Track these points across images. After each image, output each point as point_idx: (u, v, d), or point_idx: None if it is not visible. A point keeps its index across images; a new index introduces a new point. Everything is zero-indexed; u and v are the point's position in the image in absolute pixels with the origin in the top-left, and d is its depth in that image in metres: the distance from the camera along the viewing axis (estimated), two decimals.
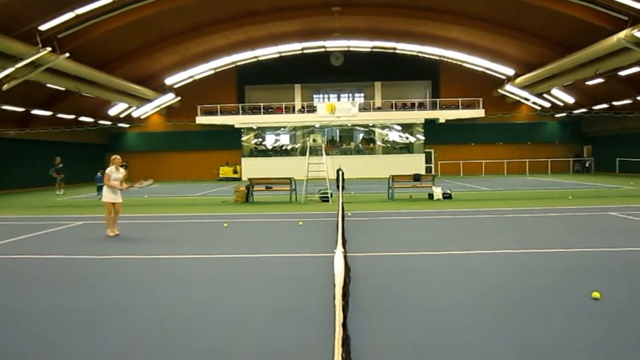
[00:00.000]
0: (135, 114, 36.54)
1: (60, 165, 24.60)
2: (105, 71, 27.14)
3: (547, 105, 35.96)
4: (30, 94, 26.47)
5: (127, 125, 37.82)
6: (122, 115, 36.29)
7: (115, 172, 10.55)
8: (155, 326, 4.75)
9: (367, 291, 5.68)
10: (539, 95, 34.42)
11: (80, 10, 21.16)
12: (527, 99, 35.49)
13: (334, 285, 3.18)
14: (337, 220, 7.50)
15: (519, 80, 32.23)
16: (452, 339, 4.25)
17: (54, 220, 13.36)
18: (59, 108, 30.38)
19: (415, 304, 5.28)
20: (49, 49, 20.55)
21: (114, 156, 10.78)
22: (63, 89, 26.86)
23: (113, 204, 10.47)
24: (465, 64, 35.57)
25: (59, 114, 30.54)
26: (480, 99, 36.42)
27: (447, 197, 17.50)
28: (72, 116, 31.99)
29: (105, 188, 10.59)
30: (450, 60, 36.02)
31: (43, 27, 20.76)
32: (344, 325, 1.92)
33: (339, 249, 2.59)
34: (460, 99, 36.90)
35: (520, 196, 18.41)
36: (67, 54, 22.21)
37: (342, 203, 7.04)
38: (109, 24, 23.36)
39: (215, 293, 5.90)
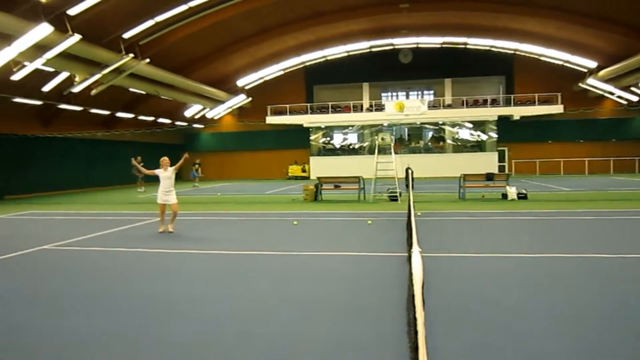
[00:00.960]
0: (208, 115, 38.00)
1: (141, 165, 26.07)
2: (181, 75, 28.44)
3: (635, 99, 33.37)
4: (115, 98, 28.26)
5: (201, 126, 39.38)
6: (196, 117, 37.88)
7: (162, 172, 10.77)
8: (231, 318, 4.93)
9: (438, 292, 5.56)
10: (626, 89, 31.97)
11: (159, 18, 22.35)
12: (612, 93, 33.09)
13: (411, 285, 3.14)
14: (409, 220, 7.39)
15: (602, 73, 30.12)
16: (528, 347, 4.06)
17: (135, 216, 14.20)
18: (140, 110, 32.24)
19: (489, 307, 5.10)
20: (131, 55, 21.85)
21: (162, 158, 11.02)
22: (144, 92, 28.44)
23: (165, 205, 10.73)
24: (542, 58, 33.80)
25: (140, 116, 32.40)
26: (559, 94, 34.46)
27: (522, 197, 16.74)
28: (152, 118, 33.83)
29: (159, 190, 10.85)
30: (525, 54, 34.38)
31: (126, 35, 22.13)
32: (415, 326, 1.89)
33: (416, 248, 2.55)
34: (536, 95, 35.12)
35: (603, 197, 17.25)
36: (148, 60, 23.50)
37: (412, 202, 6.92)
38: (185, 30, 24.47)
39: (286, 288, 6.02)
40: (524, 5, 26.18)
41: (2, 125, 23.78)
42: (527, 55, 34.28)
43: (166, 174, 10.71)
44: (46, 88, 22.83)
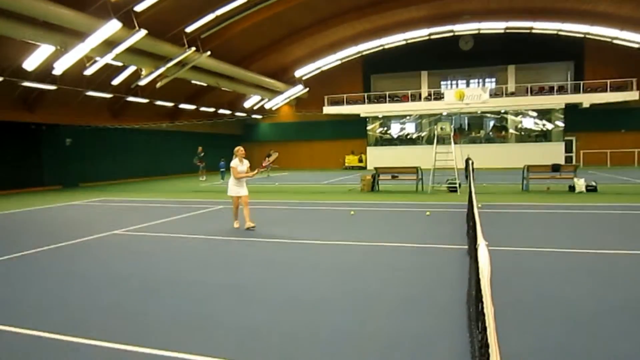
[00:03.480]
0: (267, 106, 38.61)
1: (202, 154, 27.01)
2: (241, 66, 29.02)
3: None
4: (178, 90, 29.30)
5: (259, 117, 40.10)
6: (255, 107, 38.60)
7: (240, 165, 10.06)
8: (292, 307, 5.01)
9: (502, 288, 5.39)
10: None
11: (219, 11, 22.86)
12: None
13: (473, 279, 3.06)
14: (470, 212, 7.20)
15: None
16: (599, 347, 3.86)
17: (198, 204, 14.72)
18: (201, 102, 33.27)
19: (557, 305, 4.89)
20: (193, 48, 22.52)
21: (237, 148, 10.21)
22: (205, 84, 29.29)
23: (239, 197, 10.14)
24: (615, 41, 31.70)
25: (201, 108, 33.44)
26: (634, 80, 32.22)
27: (591, 189, 15.87)
28: (213, 109, 34.81)
29: (230, 182, 10.19)
30: (597, 38, 32.34)
31: (188, 29, 22.81)
32: (483, 321, 1.84)
33: (482, 241, 2.48)
34: (608, 81, 32.99)
35: None
36: (209, 52, 24.14)
37: (473, 194, 6.73)
38: (244, 23, 24.91)
39: (342, 279, 6.04)
40: None
41: (77, 118, 25.31)
42: (599, 38, 32.25)
43: (242, 167, 10.07)
44: (115, 82, 24.01)
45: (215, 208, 13.73)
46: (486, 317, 1.67)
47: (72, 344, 4.12)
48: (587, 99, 33.08)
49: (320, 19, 28.70)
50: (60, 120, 24.51)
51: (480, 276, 2.08)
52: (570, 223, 10.13)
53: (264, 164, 11.33)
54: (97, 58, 19.35)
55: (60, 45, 17.45)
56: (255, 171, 10.23)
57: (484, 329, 1.74)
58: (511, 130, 37.84)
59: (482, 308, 1.97)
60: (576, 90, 33.91)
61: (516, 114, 37.61)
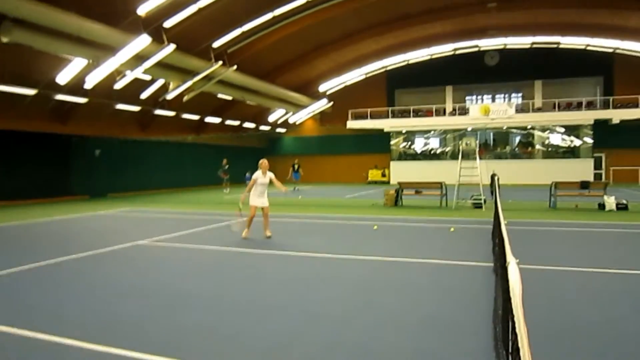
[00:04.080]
0: (291, 120, 38.88)
1: (227, 167, 27.27)
2: (266, 81, 29.37)
3: None
4: (204, 103, 29.78)
5: (284, 130, 40.39)
6: (279, 121, 38.91)
7: (262, 177, 10.17)
8: (310, 322, 4.96)
9: (529, 307, 5.24)
10: None
11: (246, 27, 23.28)
12: None
13: (501, 298, 2.98)
14: (495, 228, 7.06)
15: None
16: None
17: (222, 216, 14.82)
18: (227, 115, 33.72)
19: (588, 328, 4.72)
20: (220, 62, 22.91)
21: (261, 160, 10.42)
22: (230, 98, 29.70)
23: (262, 208, 10.28)
24: None
25: (227, 121, 33.88)
26: None
27: (622, 207, 15.42)
28: (237, 122, 35.24)
29: (252, 192, 10.28)
30: (627, 52, 31.71)
31: (215, 44, 23.28)
32: (514, 341, 1.78)
33: (512, 258, 2.41)
34: (639, 97, 32.23)
35: None
36: (235, 67, 24.52)
37: (500, 210, 6.60)
38: (270, 38, 25.27)
39: (364, 295, 5.97)
40: None
41: (107, 129, 25.93)
42: (630, 53, 31.60)
43: (264, 180, 10.18)
44: (144, 95, 24.57)
45: (239, 220, 13.80)
46: (519, 338, 1.61)
47: (91, 352, 4.15)
48: (616, 115, 32.31)
49: (345, 34, 28.91)
50: (90, 132, 25.14)
51: (511, 295, 2.01)
52: (601, 242, 9.84)
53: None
54: (127, 72, 19.84)
55: (92, 59, 17.97)
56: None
57: (516, 349, 1.68)
58: (538, 146, 37.19)
59: (511, 327, 1.90)
60: (605, 105, 33.19)
61: (543, 129, 36.99)
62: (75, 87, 20.39)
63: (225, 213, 15.72)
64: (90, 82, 18.76)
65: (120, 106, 24.65)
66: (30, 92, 19.45)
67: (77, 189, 24.65)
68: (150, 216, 15.66)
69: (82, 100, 22.01)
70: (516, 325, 1.74)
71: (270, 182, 10.39)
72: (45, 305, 5.64)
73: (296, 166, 30.52)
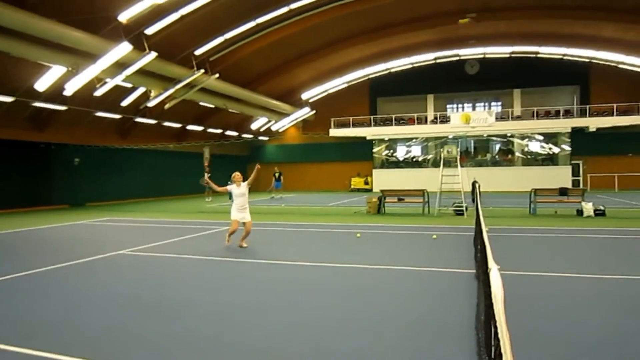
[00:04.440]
0: (274, 128, 38.84)
1: (209, 175, 27.06)
2: (248, 89, 29.33)
3: None
4: (186, 111, 29.58)
5: (266, 138, 40.32)
6: (262, 129, 38.85)
7: (236, 188, 10.04)
8: (296, 329, 4.95)
9: (512, 313, 5.31)
10: None
11: (228, 35, 23.26)
12: None
13: (483, 304, 3.02)
14: (477, 235, 7.15)
15: None
16: None
17: (204, 225, 14.71)
18: (209, 123, 33.53)
19: (569, 332, 4.80)
20: (202, 70, 22.83)
21: (234, 173, 10.23)
22: (213, 106, 29.56)
23: (243, 223, 10.04)
24: (621, 65, 31.83)
25: (209, 129, 33.69)
26: None
27: (599, 213, 15.74)
28: (220, 130, 35.07)
29: (233, 207, 10.12)
30: (602, 62, 32.52)
31: (198, 52, 23.18)
32: (497, 347, 1.81)
33: (494, 265, 2.45)
34: (615, 105, 33.02)
35: None
36: (217, 75, 24.45)
37: (481, 217, 6.69)
38: (252, 46, 25.29)
39: (348, 302, 5.98)
40: (602, 10, 24.85)
41: (86, 137, 25.55)
42: (605, 63, 32.42)
43: (240, 190, 10.04)
44: (125, 103, 24.32)
45: (221, 229, 13.71)
46: (501, 343, 1.64)
47: None
48: (593, 123, 33.07)
49: (327, 43, 29.07)
50: (70, 139, 24.76)
51: (494, 301, 2.05)
52: (579, 247, 10.02)
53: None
54: (108, 79, 19.64)
55: (72, 67, 17.74)
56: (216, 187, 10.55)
57: (499, 354, 1.70)
58: (517, 154, 37.80)
59: (494, 333, 1.93)
60: (582, 114, 33.93)
61: (522, 137, 37.62)
62: (55, 94, 20.09)
63: (208, 222, 15.61)
64: (69, 90, 18.51)
65: (101, 114, 24.35)
66: (8, 99, 19.11)
67: (57, 198, 24.23)
68: (132, 225, 15.46)
69: (62, 107, 21.69)
70: (499, 330, 1.77)
71: (250, 190, 10.33)
72: (21, 316, 5.52)
73: (277, 174, 30.44)
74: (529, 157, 37.65)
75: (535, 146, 38.07)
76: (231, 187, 10.17)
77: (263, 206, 22.26)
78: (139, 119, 27.20)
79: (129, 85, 22.13)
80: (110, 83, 19.91)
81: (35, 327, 5.16)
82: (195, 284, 7.14)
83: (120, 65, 18.62)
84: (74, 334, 4.89)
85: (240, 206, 10.06)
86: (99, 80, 19.60)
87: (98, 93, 20.37)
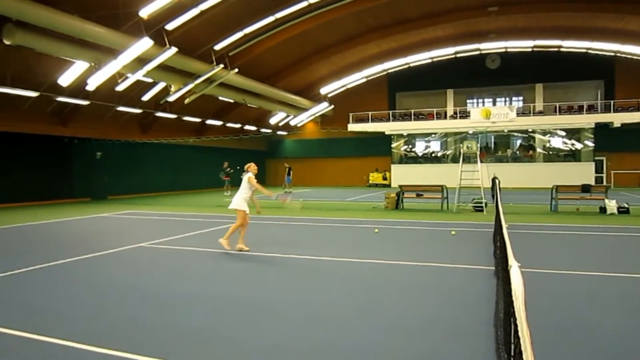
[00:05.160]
0: (292, 123, 38.90)
1: (228, 169, 27.29)
2: (267, 84, 29.39)
3: None
4: (205, 106, 29.81)
5: (285, 133, 40.40)
6: (280, 124, 38.94)
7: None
8: (309, 325, 4.96)
9: (532, 311, 5.23)
10: None
11: (247, 30, 23.31)
12: None
13: (502, 301, 2.98)
14: (497, 232, 7.07)
15: None
16: None
17: (223, 219, 14.81)
18: (228, 118, 33.74)
19: (590, 331, 4.71)
20: (221, 65, 22.94)
21: (248, 164, 9.39)
22: (232, 101, 29.72)
23: (247, 214, 9.22)
24: None
25: (228, 124, 33.89)
26: None
27: (623, 211, 15.40)
28: (239, 125, 35.26)
29: (243, 197, 9.18)
30: (628, 56, 31.72)
31: (217, 47, 23.29)
32: (516, 345, 1.78)
33: (514, 262, 2.41)
34: None
35: None
36: (236, 70, 24.55)
37: (501, 213, 6.60)
38: (271, 41, 25.30)
39: (365, 298, 5.96)
40: (628, 3, 24.20)
41: (108, 132, 25.94)
42: (631, 57, 31.62)
43: (243, 181, 9.28)
44: (145, 97, 24.59)
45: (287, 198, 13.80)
46: (521, 341, 1.61)
47: (94, 354, 4.15)
48: (618, 119, 32.30)
49: (346, 37, 28.95)
50: (92, 134, 25.16)
51: (514, 298, 2.01)
52: (602, 246, 9.82)
53: (280, 199, 10.78)
54: (129, 74, 19.87)
55: (94, 62, 18.01)
56: (273, 194, 9.57)
57: (519, 352, 1.68)
58: (539, 150, 37.20)
59: (514, 331, 1.90)
60: (607, 109, 33.18)
61: (544, 133, 36.99)
62: (77, 89, 20.42)
63: (226, 215, 15.72)
64: (92, 85, 18.79)
65: (122, 108, 24.67)
66: (32, 94, 19.49)
67: (78, 191, 24.68)
68: (152, 219, 15.66)
69: (84, 102, 22.04)
70: (519, 328, 1.74)
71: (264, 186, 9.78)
72: (45, 307, 5.64)
73: (287, 169, 30.64)
74: (550, 153, 37.03)
75: (557, 142, 37.41)
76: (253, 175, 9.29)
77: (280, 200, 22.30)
78: (159, 114, 27.48)
79: (149, 80, 22.37)
80: (132, 78, 20.14)
81: (59, 317, 5.27)
82: (211, 278, 7.20)
83: (141, 61, 18.83)
84: (95, 325, 4.97)
85: (250, 197, 9.29)
86: (120, 76, 19.85)
87: (119, 88, 20.65)
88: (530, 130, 36.60)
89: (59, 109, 23.13)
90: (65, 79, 18.77)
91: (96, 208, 19.47)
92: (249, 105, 30.81)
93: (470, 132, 36.46)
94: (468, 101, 38.88)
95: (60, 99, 21.18)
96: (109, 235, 11.77)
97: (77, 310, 5.50)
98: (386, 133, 37.53)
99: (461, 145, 20.00)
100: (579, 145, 36.41)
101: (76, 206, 20.75)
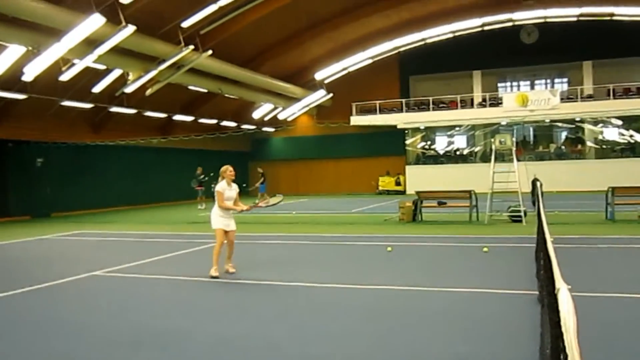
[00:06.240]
0: (281, 116, 38.92)
1: (202, 177, 27.27)
2: (249, 68, 29.45)
3: None
4: (172, 98, 29.85)
5: (272, 130, 40.44)
6: (266, 118, 38.97)
7: (228, 189, 9.51)
8: None
9: (587, 344, 5.24)
10: None
11: (222, 1, 23.35)
12: None
13: (550, 333, 2.98)
14: (540, 247, 7.08)
15: None
16: None
17: (196, 238, 14.79)
18: (200, 112, 33.78)
19: None
20: (191, 47, 22.96)
21: (224, 167, 9.62)
22: (205, 90, 29.77)
23: (226, 232, 9.43)
24: None
25: (200, 119, 33.93)
26: None
27: None
28: (214, 121, 35.31)
29: (214, 211, 9.51)
30: None
31: (185, 24, 23.31)
32: None
33: (563, 284, 2.42)
34: None
35: None
36: (210, 52, 24.58)
37: (544, 224, 6.61)
38: (253, 14, 25.30)
39: (378, 333, 5.95)
40: None
41: (50, 133, 25.90)
42: None
43: (231, 193, 9.53)
44: (97, 89, 24.59)
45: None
46: None
47: None
48: None
49: (346, 8, 29.05)
50: (31, 135, 25.13)
51: (563, 330, 2.01)
52: None
53: (261, 204, 10.47)
54: (76, 60, 19.87)
55: (31, 46, 17.99)
56: (246, 207, 9.73)
57: None
58: (589, 143, 37.34)
59: None
60: None
61: (595, 122, 37.12)
62: (11, 80, 20.39)
63: (200, 234, 15.71)
64: (29, 74, 18.77)
65: (68, 103, 24.66)
66: None
67: (15, 207, 24.61)
68: (107, 240, 15.63)
69: (20, 96, 22.02)
70: None
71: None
72: None
73: (260, 175, 30.56)
74: (604, 147, 37.16)
75: (612, 133, 37.56)
76: (222, 187, 9.45)
77: (267, 214, 22.31)
78: (114, 109, 27.49)
79: (102, 67, 22.38)
80: (79, 65, 20.14)
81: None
82: (186, 312, 7.18)
83: (90, 43, 18.82)
84: None
85: (226, 211, 9.50)
86: (65, 62, 19.85)
87: (64, 77, 20.63)
88: (577, 119, 36.73)
89: None
90: None
91: (37, 228, 19.42)
92: (226, 95, 30.85)
93: (504, 123, 36.57)
94: (500, 85, 39.03)
95: None
96: (54, 262, 11.73)
97: (10, 355, 5.47)
98: (398, 127, 37.59)
99: (492, 140, 20.05)
100: (639, 137, 36.55)
101: (13, 226, 20.70)
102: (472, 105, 37.10)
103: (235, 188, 9.63)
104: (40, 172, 25.64)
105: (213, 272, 9.19)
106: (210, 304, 7.70)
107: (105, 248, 14.00)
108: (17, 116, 24.27)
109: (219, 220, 9.39)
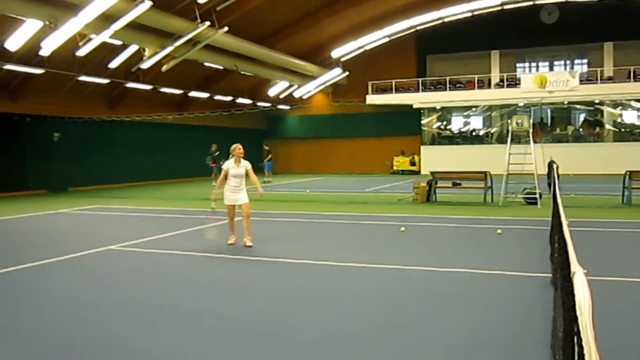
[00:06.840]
0: (296, 94, 38.78)
1: (217, 154, 27.33)
2: (265, 45, 29.29)
3: None
4: (188, 74, 29.80)
5: (287, 107, 40.33)
6: (282, 96, 38.86)
7: (234, 167, 9.96)
8: (324, 347, 4.98)
9: (602, 329, 5.21)
10: None
11: None
12: None
13: (563, 316, 2.96)
14: (555, 230, 7.03)
15: None
16: None
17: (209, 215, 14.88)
18: (216, 89, 33.75)
19: None
20: (207, 23, 22.85)
21: (234, 145, 10.12)
22: (221, 67, 29.68)
23: (239, 205, 10.05)
24: None
25: (216, 96, 33.91)
26: None
27: None
28: (230, 98, 35.26)
29: (225, 188, 10.16)
30: None
31: (201, 0, 23.20)
32: None
33: (579, 268, 2.38)
34: None
35: None
36: (226, 28, 24.44)
37: (560, 207, 6.55)
38: None
39: (389, 313, 5.97)
40: None
41: (67, 108, 26.06)
42: None
43: (237, 170, 9.98)
44: (113, 64, 24.60)
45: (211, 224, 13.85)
46: None
47: None
48: None
49: None
50: (48, 110, 25.30)
51: (578, 314, 1.99)
52: None
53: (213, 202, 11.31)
54: (92, 35, 19.88)
55: (49, 21, 18.02)
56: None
57: None
58: (608, 126, 36.88)
59: (579, 353, 1.88)
60: None
61: (615, 105, 36.61)
62: (29, 55, 20.48)
63: (214, 211, 15.78)
64: (47, 49, 18.82)
65: (84, 78, 24.74)
66: None
67: (33, 181, 24.88)
68: (122, 215, 15.77)
69: (38, 71, 22.12)
70: (585, 351, 1.71)
71: (247, 173, 10.11)
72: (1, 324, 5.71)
73: (266, 152, 30.63)
74: (622, 130, 36.68)
75: (631, 116, 37.03)
76: (228, 165, 10.04)
77: (280, 192, 22.35)
78: (130, 85, 27.54)
79: (118, 42, 22.37)
80: (96, 40, 20.15)
81: (10, 335, 5.32)
82: (198, 289, 7.24)
83: (107, 18, 18.80)
84: (53, 346, 5.02)
85: (235, 187, 9.98)
86: (82, 37, 19.87)
87: (81, 53, 20.67)
88: (597, 101, 36.24)
89: (7, 80, 23.25)
90: (14, 42, 18.82)
91: (54, 202, 19.64)
92: (242, 72, 30.76)
93: (521, 104, 36.20)
94: (518, 65, 38.52)
95: (8, 67, 21.27)
96: (70, 236, 11.87)
97: (30, 327, 5.56)
98: (414, 106, 37.35)
99: (509, 121, 19.89)
100: None
101: (30, 200, 20.94)
102: (489, 86, 36.70)
103: (245, 165, 10.07)
104: (57, 147, 25.85)
105: (229, 241, 10.16)
106: (220, 280, 7.74)
107: (119, 223, 14.14)
108: (35, 91, 24.41)
109: (226, 195, 10.09)
